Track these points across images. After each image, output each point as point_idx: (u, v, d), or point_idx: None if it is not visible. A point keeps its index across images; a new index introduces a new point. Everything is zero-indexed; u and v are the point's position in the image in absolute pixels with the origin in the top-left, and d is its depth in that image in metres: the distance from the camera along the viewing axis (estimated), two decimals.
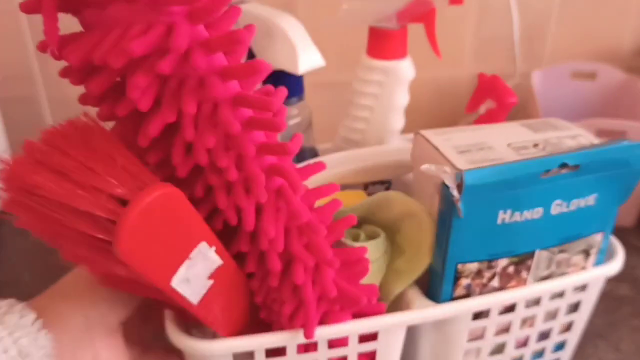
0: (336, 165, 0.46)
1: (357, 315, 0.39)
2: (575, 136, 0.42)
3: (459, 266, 0.39)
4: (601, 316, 0.48)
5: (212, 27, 0.28)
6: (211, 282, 0.34)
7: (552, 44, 0.82)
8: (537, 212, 0.38)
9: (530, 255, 0.40)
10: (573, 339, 0.47)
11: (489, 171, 0.36)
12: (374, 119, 0.52)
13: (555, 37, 0.82)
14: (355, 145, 0.53)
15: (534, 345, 0.46)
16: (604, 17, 0.82)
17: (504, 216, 0.37)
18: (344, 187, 0.48)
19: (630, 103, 0.72)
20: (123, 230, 0.28)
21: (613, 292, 0.59)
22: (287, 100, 0.50)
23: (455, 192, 0.35)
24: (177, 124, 0.30)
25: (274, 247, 0.33)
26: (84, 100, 0.31)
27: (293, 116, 0.51)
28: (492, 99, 0.54)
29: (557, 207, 0.38)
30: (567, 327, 0.46)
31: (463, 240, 0.38)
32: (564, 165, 0.37)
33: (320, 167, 0.36)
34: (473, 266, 0.39)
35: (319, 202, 0.36)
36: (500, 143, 0.41)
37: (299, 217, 0.32)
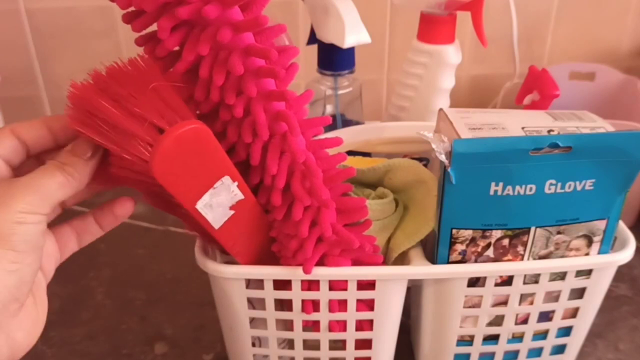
0: (358, 134, 0.51)
1: (357, 263, 0.43)
2: (596, 128, 0.44)
3: (454, 231, 0.42)
4: (600, 316, 0.49)
5: None
6: (232, 212, 0.40)
7: (551, 44, 0.82)
8: (530, 189, 0.40)
9: (526, 231, 0.43)
10: (580, 325, 0.49)
11: (477, 142, 0.39)
12: (418, 99, 0.56)
13: (554, 38, 0.82)
14: None
15: (535, 325, 0.48)
16: (602, 18, 0.82)
17: (496, 188, 0.40)
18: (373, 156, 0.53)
19: (628, 103, 0.71)
20: (157, 154, 0.35)
21: (612, 292, 0.59)
22: (339, 72, 0.56)
23: (443, 158, 0.38)
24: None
25: (275, 184, 0.39)
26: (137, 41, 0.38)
27: (344, 86, 0.57)
28: (537, 91, 0.56)
29: (552, 187, 0.40)
30: (573, 314, 0.48)
31: (456, 205, 0.41)
32: (556, 146, 0.39)
33: (338, 141, 0.41)
34: (467, 233, 0.42)
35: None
36: (515, 126, 0.44)
37: (297, 158, 0.38)
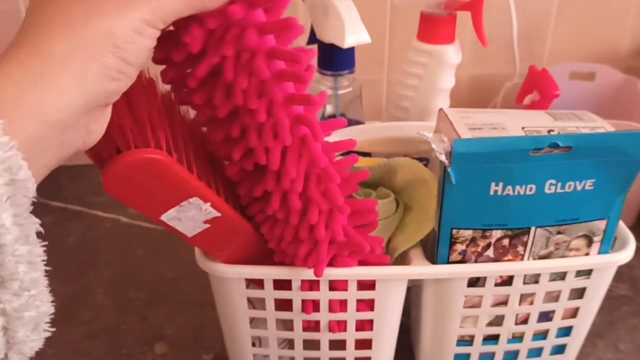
0: (358, 134, 0.51)
1: (363, 264, 0.43)
2: (596, 128, 0.44)
3: (454, 231, 0.42)
4: (600, 316, 0.49)
5: None
6: (207, 226, 0.40)
7: (551, 44, 0.82)
8: (530, 189, 0.40)
9: (526, 231, 0.43)
10: (580, 325, 0.49)
11: (477, 142, 0.39)
12: (418, 99, 0.56)
13: (554, 38, 0.82)
14: None
15: (535, 325, 0.48)
16: (602, 18, 0.82)
17: (496, 188, 0.40)
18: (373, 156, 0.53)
19: (628, 103, 0.71)
20: (105, 174, 0.35)
21: (612, 292, 0.59)
22: (339, 72, 0.56)
23: (443, 158, 0.38)
24: (220, 71, 0.36)
25: (294, 188, 0.38)
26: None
27: (344, 86, 0.57)
28: (537, 91, 0.56)
29: (552, 187, 0.40)
30: (573, 314, 0.48)
31: (456, 205, 0.41)
32: (556, 146, 0.39)
33: (352, 144, 0.40)
34: (467, 233, 0.42)
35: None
36: (515, 126, 0.44)
37: (317, 163, 0.37)
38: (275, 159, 0.38)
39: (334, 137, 0.49)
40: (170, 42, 0.36)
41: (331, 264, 0.43)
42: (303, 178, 0.39)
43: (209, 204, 0.39)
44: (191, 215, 0.39)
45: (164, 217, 0.38)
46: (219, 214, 0.39)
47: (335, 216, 0.40)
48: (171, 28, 0.35)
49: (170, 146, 0.37)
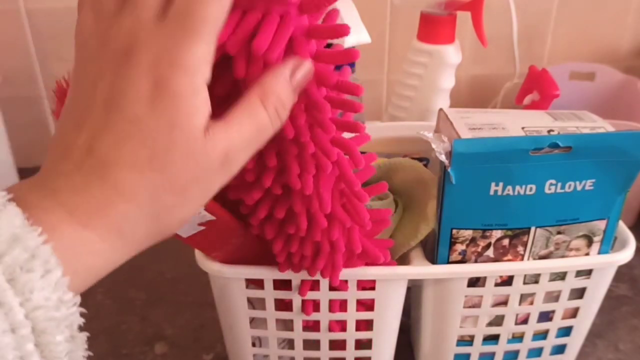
0: None
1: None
2: (596, 128, 0.44)
3: (454, 231, 0.42)
4: (600, 316, 0.49)
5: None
6: (202, 228, 0.39)
7: (551, 44, 0.83)
8: (530, 189, 0.40)
9: (526, 231, 0.43)
10: (580, 325, 0.49)
11: (477, 142, 0.39)
12: (418, 99, 0.56)
13: (554, 38, 0.82)
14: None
15: (535, 325, 0.48)
16: (602, 18, 0.82)
17: (496, 188, 0.40)
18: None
19: (629, 103, 0.72)
20: None
21: (612, 292, 0.59)
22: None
23: (443, 158, 0.38)
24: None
25: (324, 209, 0.37)
26: None
27: None
28: (537, 91, 0.56)
29: (552, 187, 0.40)
30: (573, 314, 0.48)
31: (456, 205, 0.41)
32: (556, 146, 0.39)
33: (366, 138, 0.38)
34: (467, 233, 0.42)
35: None
36: (515, 126, 0.44)
37: (352, 186, 0.36)
38: (309, 184, 0.35)
39: None
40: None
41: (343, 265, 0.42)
42: (331, 199, 0.37)
43: (201, 208, 0.39)
44: None
45: None
46: (213, 218, 0.39)
47: (355, 230, 0.39)
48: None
49: None
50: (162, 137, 0.25)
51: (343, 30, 0.30)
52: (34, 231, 0.23)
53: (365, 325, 0.46)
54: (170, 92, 0.25)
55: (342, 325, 0.46)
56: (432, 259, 0.45)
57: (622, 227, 0.46)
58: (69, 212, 0.25)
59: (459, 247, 0.43)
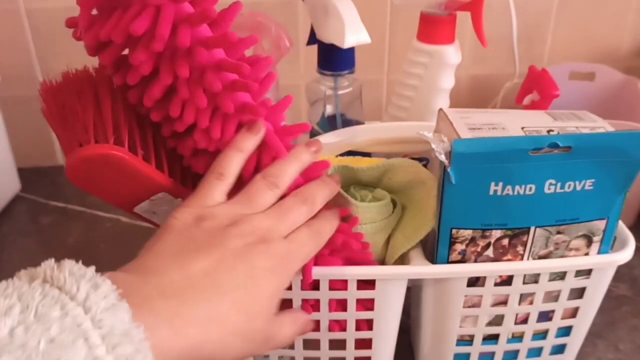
0: (358, 134, 0.51)
1: (349, 261, 0.43)
2: (596, 128, 0.44)
3: (454, 231, 0.42)
4: (600, 316, 0.49)
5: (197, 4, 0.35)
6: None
7: (551, 44, 0.83)
8: (530, 189, 0.40)
9: (525, 231, 0.43)
10: (580, 325, 0.49)
11: (477, 142, 0.39)
12: (418, 99, 0.56)
13: (554, 38, 0.82)
14: None
15: (535, 325, 0.48)
16: (602, 18, 0.82)
17: (495, 188, 0.40)
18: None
19: (629, 103, 0.71)
20: (67, 167, 0.36)
21: (612, 292, 0.59)
22: (339, 72, 0.56)
23: (443, 158, 0.38)
24: (173, 88, 0.37)
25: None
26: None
27: (344, 86, 0.57)
28: (537, 91, 0.56)
29: (551, 187, 0.40)
30: (573, 313, 0.48)
31: (456, 205, 0.41)
32: (555, 146, 0.39)
33: (288, 100, 0.41)
34: (467, 233, 0.42)
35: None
36: (515, 126, 0.44)
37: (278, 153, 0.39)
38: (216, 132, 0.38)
39: (333, 138, 0.49)
40: (127, 66, 0.37)
41: (316, 263, 0.42)
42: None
43: (179, 199, 0.39)
44: (165, 210, 0.39)
45: (137, 209, 0.39)
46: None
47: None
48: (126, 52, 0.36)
49: (136, 143, 0.37)
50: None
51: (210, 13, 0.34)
52: (138, 327, 0.28)
53: (365, 325, 0.46)
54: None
55: (342, 325, 0.46)
56: (432, 258, 0.45)
57: (622, 227, 0.46)
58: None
59: (459, 247, 0.43)
